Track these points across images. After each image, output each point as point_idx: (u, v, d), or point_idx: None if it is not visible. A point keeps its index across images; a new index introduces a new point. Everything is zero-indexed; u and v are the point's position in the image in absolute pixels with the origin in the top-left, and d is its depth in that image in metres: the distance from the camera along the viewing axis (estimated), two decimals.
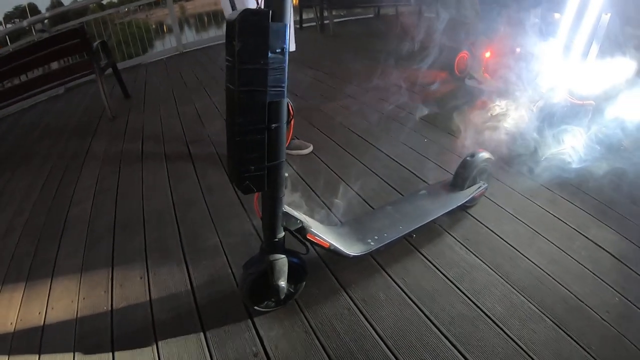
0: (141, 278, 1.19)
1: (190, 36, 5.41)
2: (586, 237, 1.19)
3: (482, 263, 1.13)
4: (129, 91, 3.11)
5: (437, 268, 1.12)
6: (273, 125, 0.75)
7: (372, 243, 1.04)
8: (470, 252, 1.17)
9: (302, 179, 1.61)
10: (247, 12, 0.67)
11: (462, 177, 1.24)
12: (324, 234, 0.96)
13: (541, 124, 1.52)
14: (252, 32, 0.67)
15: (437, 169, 1.60)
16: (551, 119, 1.51)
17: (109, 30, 4.50)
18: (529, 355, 0.86)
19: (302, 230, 0.92)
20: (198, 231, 1.37)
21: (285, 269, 0.93)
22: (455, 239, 1.22)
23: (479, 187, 1.27)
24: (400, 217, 1.14)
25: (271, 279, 0.92)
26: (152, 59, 4.46)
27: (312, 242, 0.95)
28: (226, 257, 1.23)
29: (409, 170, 1.61)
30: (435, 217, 1.15)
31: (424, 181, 1.52)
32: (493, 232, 1.24)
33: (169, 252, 1.29)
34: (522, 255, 1.14)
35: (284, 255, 0.91)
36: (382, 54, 2.91)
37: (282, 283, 0.92)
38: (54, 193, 1.83)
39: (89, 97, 3.36)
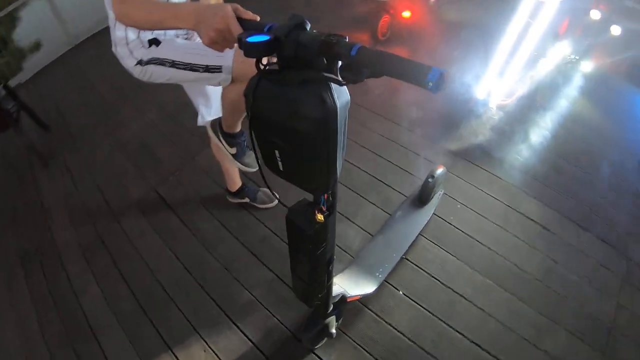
0: (205, 351, 1.60)
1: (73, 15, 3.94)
2: (519, 212, 1.87)
3: (449, 255, 1.75)
4: (45, 121, 2.91)
5: (420, 268, 1.71)
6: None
7: (380, 276, 1.57)
8: (441, 248, 1.78)
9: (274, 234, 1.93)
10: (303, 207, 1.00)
11: (426, 195, 1.78)
12: (352, 289, 1.46)
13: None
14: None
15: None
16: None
17: None
18: (492, 317, 1.54)
19: (343, 299, 1.42)
20: (226, 291, 1.75)
21: (334, 321, 1.44)
22: (427, 239, 1.81)
23: (439, 196, 1.84)
24: (390, 245, 1.67)
25: (327, 332, 1.43)
26: (40, 64, 3.78)
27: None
28: (265, 308, 1.66)
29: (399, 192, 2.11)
30: (417, 234, 1.71)
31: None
32: (452, 225, 1.85)
33: (213, 319, 1.66)
34: (476, 242, 1.78)
35: (333, 315, 1.42)
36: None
37: (334, 330, 1.45)
38: (47, 290, 1.92)
39: (10, 147, 2.91)
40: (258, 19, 0.76)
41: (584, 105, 2.42)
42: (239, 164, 1.58)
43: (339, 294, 1.39)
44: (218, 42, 0.75)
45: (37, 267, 2.04)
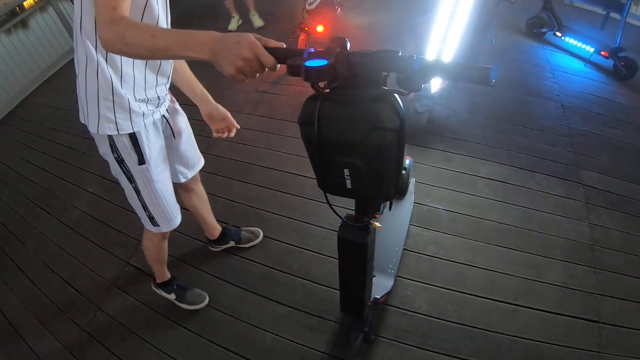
0: None
1: None
2: (481, 176, 2.12)
3: (439, 233, 1.94)
4: None
5: (420, 253, 1.87)
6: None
7: (392, 271, 1.70)
8: (430, 229, 1.96)
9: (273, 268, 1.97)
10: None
11: (403, 186, 1.95)
12: (376, 291, 1.57)
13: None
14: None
15: None
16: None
17: None
18: (496, 272, 1.74)
19: (376, 302, 1.52)
20: (246, 340, 1.73)
21: (370, 327, 1.54)
22: (416, 225, 1.98)
23: (413, 184, 2.02)
24: (390, 241, 1.80)
25: (367, 339, 1.53)
26: None
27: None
28: (293, 342, 1.68)
29: None
30: (408, 226, 1.87)
31: None
32: (431, 206, 2.05)
33: None
34: (456, 213, 1.99)
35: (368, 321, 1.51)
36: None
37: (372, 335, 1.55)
38: None
39: None
40: (284, 46, 0.75)
41: (503, 68, 2.81)
42: (183, 305, 1.82)
43: (372, 299, 1.50)
44: (244, 72, 0.71)
45: None
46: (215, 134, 1.53)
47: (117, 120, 1.17)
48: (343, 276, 1.21)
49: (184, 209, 1.64)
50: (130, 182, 1.32)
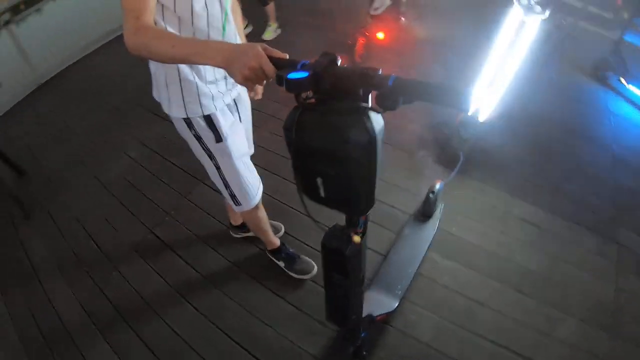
0: None
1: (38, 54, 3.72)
2: (514, 215, 2.07)
3: (458, 264, 1.91)
4: (19, 165, 2.80)
5: (434, 281, 1.85)
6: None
7: (399, 292, 1.70)
8: (449, 258, 1.94)
9: None
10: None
11: (429, 209, 1.95)
12: (376, 308, 1.58)
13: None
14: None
15: None
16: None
17: None
18: (508, 317, 1.70)
19: (372, 319, 1.54)
20: (247, 330, 1.78)
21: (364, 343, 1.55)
22: (436, 252, 1.96)
23: (441, 209, 2.01)
24: (404, 262, 1.82)
25: (360, 355, 1.54)
26: (5, 107, 3.56)
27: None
28: (291, 342, 1.72)
29: None
30: (427, 249, 1.87)
31: None
32: (456, 235, 2.02)
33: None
34: (480, 248, 1.96)
35: (363, 336, 1.53)
36: None
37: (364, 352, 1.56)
38: None
39: None
40: (287, 57, 0.83)
41: (558, 106, 2.73)
42: (292, 273, 1.91)
43: (367, 315, 1.51)
44: (251, 80, 0.79)
45: (35, 334, 1.96)
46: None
47: (187, 105, 1.24)
48: (326, 284, 1.23)
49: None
50: (211, 159, 1.39)
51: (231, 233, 2.14)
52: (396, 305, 1.65)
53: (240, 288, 1.95)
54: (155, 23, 1.04)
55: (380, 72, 0.75)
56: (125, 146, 2.88)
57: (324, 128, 0.82)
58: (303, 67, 0.79)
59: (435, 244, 1.97)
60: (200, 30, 1.11)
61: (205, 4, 1.09)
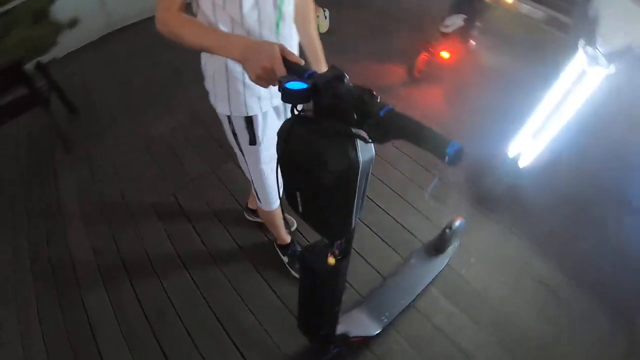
0: None
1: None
2: (530, 273, 1.94)
3: (456, 308, 1.82)
4: (74, 103, 3.05)
5: (427, 318, 1.77)
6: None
7: (385, 320, 1.65)
8: (449, 300, 1.85)
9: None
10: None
11: (442, 244, 1.87)
12: (355, 329, 1.55)
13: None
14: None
15: None
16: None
17: None
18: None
19: (346, 338, 1.51)
20: (231, 311, 1.83)
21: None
22: (437, 289, 1.88)
23: (454, 247, 1.93)
24: (399, 290, 1.76)
25: None
26: (75, 45, 3.84)
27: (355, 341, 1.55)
28: (268, 334, 1.75)
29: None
30: (426, 284, 1.80)
31: None
32: (463, 278, 1.93)
33: (215, 336, 1.76)
34: (485, 299, 1.85)
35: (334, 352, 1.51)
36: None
37: None
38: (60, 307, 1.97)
39: (35, 127, 3.07)
40: (302, 62, 0.82)
41: (612, 170, 2.48)
42: (292, 272, 1.92)
43: (342, 333, 1.48)
44: (264, 80, 0.81)
45: (45, 261, 2.16)
46: None
47: (231, 103, 1.23)
48: (299, 294, 1.21)
49: None
50: (243, 155, 1.42)
51: (245, 215, 2.18)
52: (377, 332, 1.61)
53: (238, 270, 2.00)
54: (209, 22, 1.06)
55: (377, 99, 0.71)
56: (175, 108, 3.01)
57: (308, 145, 0.79)
58: (308, 78, 0.76)
59: (439, 281, 1.90)
60: (252, 28, 1.09)
61: (257, 3, 1.06)
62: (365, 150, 0.76)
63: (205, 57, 1.23)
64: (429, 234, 2.06)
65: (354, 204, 0.83)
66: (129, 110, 3.06)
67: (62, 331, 1.87)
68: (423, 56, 2.85)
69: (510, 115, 2.20)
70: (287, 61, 0.79)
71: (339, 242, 0.99)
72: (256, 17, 1.07)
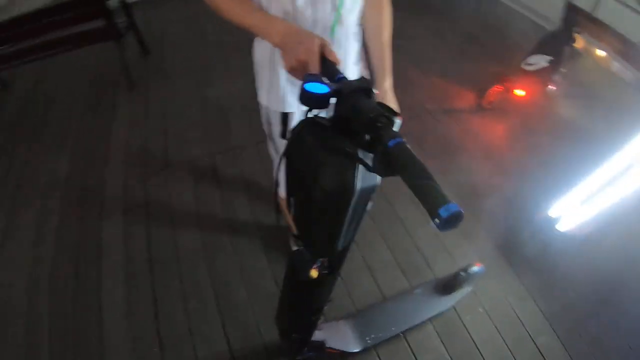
0: (190, 330, 1.77)
1: None
2: (534, 343, 1.81)
3: (447, 353, 1.72)
4: (147, 48, 3.22)
5: (414, 354, 1.70)
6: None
7: (369, 341, 1.60)
8: (443, 342, 1.76)
9: None
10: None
11: (452, 286, 1.78)
12: (335, 341, 1.52)
13: None
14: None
15: None
16: None
17: None
18: None
19: (322, 346, 1.48)
20: (226, 281, 1.86)
21: None
22: (434, 327, 1.80)
23: (465, 292, 1.83)
24: (394, 316, 1.70)
25: None
26: None
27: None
28: (254, 317, 1.76)
29: None
30: (424, 319, 1.72)
31: None
32: (464, 325, 1.83)
33: (204, 303, 1.80)
34: (479, 353, 1.74)
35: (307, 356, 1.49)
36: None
37: None
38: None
39: (105, 59, 3.26)
40: (341, 63, 0.77)
41: None
42: None
43: (319, 340, 1.46)
44: (297, 71, 0.78)
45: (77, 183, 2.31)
46: None
47: (270, 96, 1.19)
48: (282, 288, 1.18)
49: None
50: (272, 142, 1.39)
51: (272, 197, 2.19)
52: (357, 350, 1.57)
53: (247, 246, 2.03)
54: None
55: (393, 126, 0.63)
56: (238, 75, 3.05)
57: (310, 154, 0.73)
58: (337, 82, 0.72)
59: (440, 319, 1.81)
60: (304, 26, 1.00)
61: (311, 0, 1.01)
62: (367, 178, 0.69)
63: (255, 41, 1.17)
64: (444, 269, 1.97)
65: (341, 228, 0.77)
66: (195, 66, 3.17)
67: (72, 246, 2.03)
68: (497, 87, 2.70)
69: (567, 173, 2.04)
70: (324, 59, 0.76)
71: (322, 260, 0.92)
72: (310, 13, 1.00)
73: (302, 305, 1.09)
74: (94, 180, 2.32)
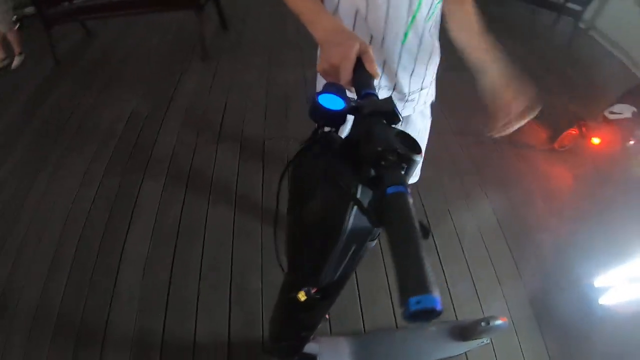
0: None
1: None
2: None
3: None
4: (227, 23, 3.32)
5: None
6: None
7: None
8: None
9: None
10: None
11: (469, 334, 1.66)
12: (328, 357, 1.46)
13: None
14: None
15: None
16: None
17: None
18: None
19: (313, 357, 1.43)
20: (244, 262, 1.87)
21: None
22: None
23: (482, 343, 1.71)
24: (400, 348, 1.61)
25: None
26: None
27: None
28: (262, 305, 1.75)
29: None
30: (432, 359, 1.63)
31: None
32: None
33: (217, 280, 1.82)
34: None
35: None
36: None
37: None
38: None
39: (186, 28, 3.42)
40: (378, 75, 0.70)
41: None
42: None
43: (312, 353, 1.41)
44: (330, 74, 0.73)
45: (131, 138, 2.42)
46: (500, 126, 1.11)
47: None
48: (278, 299, 1.14)
49: None
50: None
51: None
52: None
53: (251, 231, 2.02)
54: (333, 3, 0.98)
55: (402, 170, 0.52)
56: (312, 64, 3.04)
57: (309, 174, 0.67)
58: (362, 98, 0.63)
59: None
60: (375, 27, 0.98)
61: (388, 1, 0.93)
62: (362, 219, 0.57)
63: None
64: (468, 312, 1.85)
65: (327, 260, 0.68)
66: (270, 49, 3.22)
67: (110, 198, 2.14)
68: (572, 131, 2.49)
69: (628, 239, 1.84)
70: (360, 66, 0.67)
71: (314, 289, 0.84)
72: (384, 14, 0.94)
73: (293, 320, 1.05)
74: (147, 139, 2.42)
